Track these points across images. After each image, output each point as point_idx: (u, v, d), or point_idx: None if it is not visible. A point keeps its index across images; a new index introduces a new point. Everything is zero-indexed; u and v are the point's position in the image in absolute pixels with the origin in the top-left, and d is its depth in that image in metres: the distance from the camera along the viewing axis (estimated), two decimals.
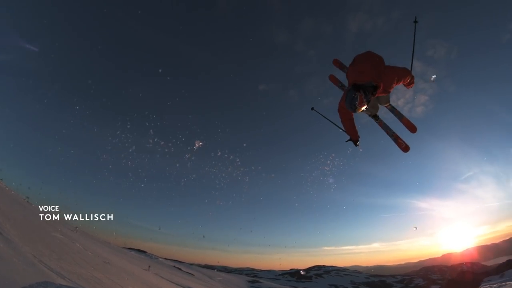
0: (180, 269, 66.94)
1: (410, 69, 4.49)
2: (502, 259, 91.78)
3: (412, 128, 5.21)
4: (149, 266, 29.62)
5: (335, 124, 5.44)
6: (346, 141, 5.13)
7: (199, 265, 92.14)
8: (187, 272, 63.79)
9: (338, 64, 5.79)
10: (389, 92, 4.50)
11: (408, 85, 4.59)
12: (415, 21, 4.85)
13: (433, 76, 5.86)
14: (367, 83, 4.05)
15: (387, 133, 5.40)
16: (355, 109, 4.04)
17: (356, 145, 5.07)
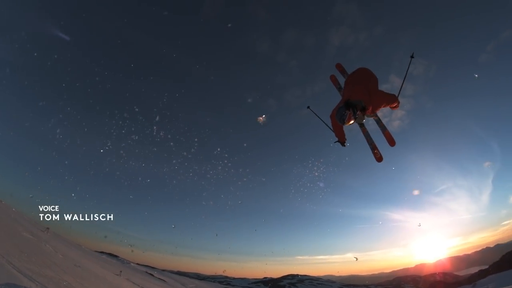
0: (152, 275, 65.37)
1: (398, 95, 5.08)
2: (474, 269, 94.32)
3: (391, 142, 5.65)
4: (121, 271, 28.91)
5: (326, 125, 5.81)
6: (335, 142, 5.58)
7: (172, 272, 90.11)
8: (159, 279, 62.31)
9: (341, 68, 6.21)
10: (375, 112, 5.11)
11: (394, 108, 5.26)
12: (412, 56, 5.39)
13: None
14: (358, 102, 4.64)
15: (367, 141, 5.79)
16: (343, 123, 4.65)
17: (343, 145, 5.60)
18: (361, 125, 5.71)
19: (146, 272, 66.59)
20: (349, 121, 4.61)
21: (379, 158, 5.77)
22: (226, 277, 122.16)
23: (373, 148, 5.76)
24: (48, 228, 26.51)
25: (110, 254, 67.59)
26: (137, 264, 77.56)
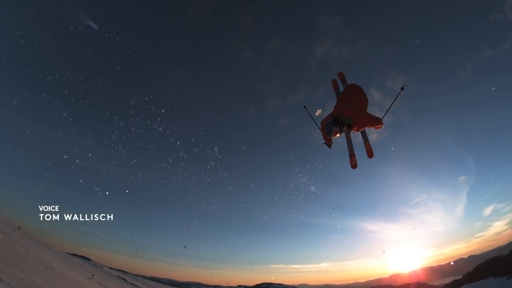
0: (125, 280, 64.09)
1: (382, 118, 5.73)
2: (448, 280, 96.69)
3: (370, 154, 6.23)
4: (93, 275, 28.18)
5: (317, 126, 6.26)
6: (322, 144, 6.13)
7: (145, 277, 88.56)
8: (132, 284, 61.17)
9: (342, 77, 6.71)
10: (359, 131, 5.81)
11: (377, 128, 5.83)
12: (402, 88, 6.08)
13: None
14: (346, 120, 5.36)
15: (348, 147, 6.33)
16: (330, 136, 5.38)
17: (329, 147, 6.13)
18: (346, 132, 6.20)
19: (119, 276, 65.21)
20: (336, 135, 5.33)
21: (354, 165, 6.32)
22: (200, 283, 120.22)
23: (351, 155, 6.32)
24: (19, 227, 25.65)
25: (83, 257, 65.76)
26: (110, 268, 75.86)
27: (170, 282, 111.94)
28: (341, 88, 6.68)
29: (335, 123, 5.27)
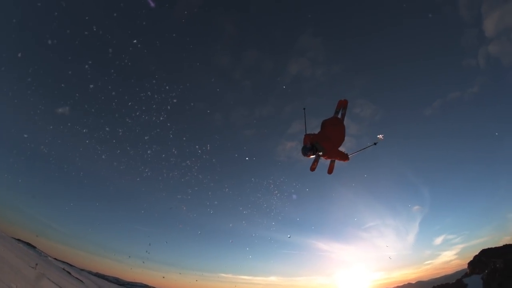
0: (69, 273, 61.92)
1: (350, 155, 7.12)
2: None
3: (330, 171, 7.59)
4: (37, 264, 27.35)
5: (305, 130, 7.26)
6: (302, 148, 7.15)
7: (91, 272, 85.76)
8: (76, 278, 59.24)
9: (345, 105, 7.67)
10: (327, 159, 7.34)
11: (344, 161, 7.25)
12: (375, 143, 7.11)
13: (380, 136, 7.28)
14: (321, 149, 6.71)
15: (315, 157, 7.44)
16: (304, 155, 6.72)
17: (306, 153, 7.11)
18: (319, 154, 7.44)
19: (64, 269, 63.03)
20: (309, 157, 6.76)
21: (312, 169, 7.41)
22: (146, 285, 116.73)
23: (316, 161, 7.42)
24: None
25: (28, 244, 62.75)
26: (55, 259, 72.76)
27: (116, 280, 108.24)
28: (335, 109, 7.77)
29: (311, 149, 6.66)
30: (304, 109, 7.61)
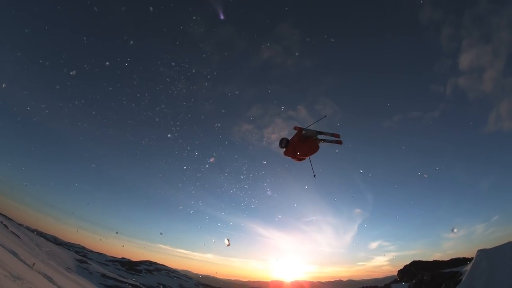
0: (6, 227, 62.41)
1: (302, 157, 7.88)
2: None
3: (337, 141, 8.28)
4: None
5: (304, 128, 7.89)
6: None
7: (29, 228, 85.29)
8: (13, 233, 59.91)
9: (298, 130, 7.94)
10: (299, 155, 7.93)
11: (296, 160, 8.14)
12: (314, 175, 7.89)
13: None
14: (285, 141, 7.65)
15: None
16: (280, 145, 7.76)
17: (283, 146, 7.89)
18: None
19: (1, 222, 63.20)
20: (282, 147, 7.67)
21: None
22: (84, 248, 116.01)
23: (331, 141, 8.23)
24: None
25: None
26: None
27: (54, 239, 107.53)
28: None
29: (286, 143, 7.58)
30: (325, 116, 7.88)
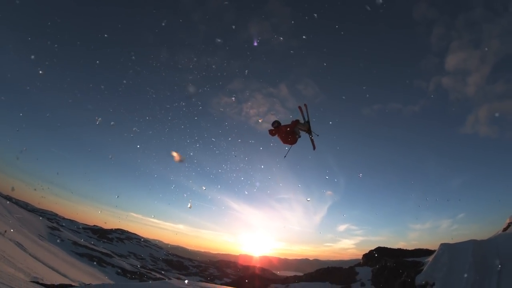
0: None
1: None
2: (290, 273, 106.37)
3: (314, 147, 8.67)
4: None
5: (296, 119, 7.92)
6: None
7: (1, 194, 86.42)
8: None
9: (301, 111, 8.36)
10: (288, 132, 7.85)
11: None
12: (305, 104, 8.15)
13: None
14: (276, 123, 7.57)
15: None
16: (272, 126, 7.68)
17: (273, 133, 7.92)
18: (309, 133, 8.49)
19: None
20: (273, 126, 7.61)
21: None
22: (56, 214, 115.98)
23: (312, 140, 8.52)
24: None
25: None
26: None
27: (25, 205, 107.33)
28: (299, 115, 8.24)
29: (278, 125, 7.50)
30: (305, 104, 8.08)
